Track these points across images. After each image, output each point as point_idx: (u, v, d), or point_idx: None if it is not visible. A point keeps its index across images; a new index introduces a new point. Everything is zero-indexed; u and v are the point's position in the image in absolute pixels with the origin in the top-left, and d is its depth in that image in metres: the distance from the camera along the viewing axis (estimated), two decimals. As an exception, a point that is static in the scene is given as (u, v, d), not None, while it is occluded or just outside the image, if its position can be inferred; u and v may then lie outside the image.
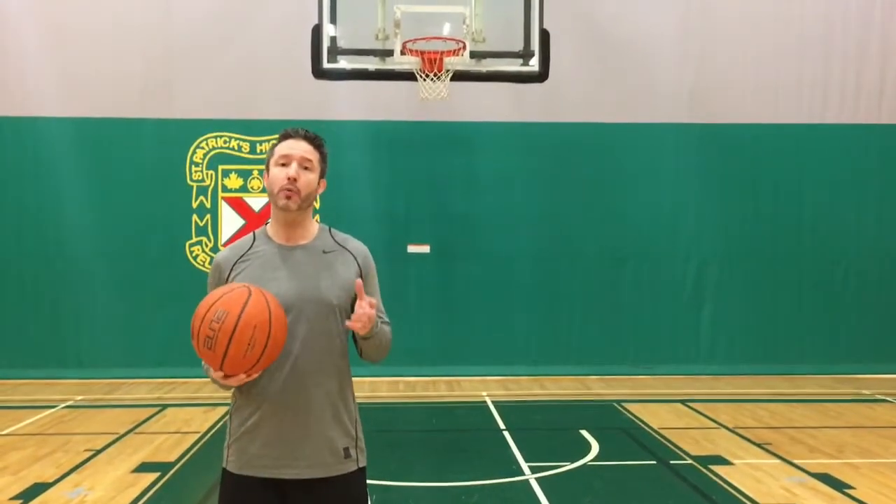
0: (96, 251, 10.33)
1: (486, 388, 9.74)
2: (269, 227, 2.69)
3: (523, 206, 10.66)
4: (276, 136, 2.68)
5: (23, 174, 10.29)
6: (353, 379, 2.74)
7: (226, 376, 2.41)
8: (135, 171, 10.37)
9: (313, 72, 8.06)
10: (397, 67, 7.95)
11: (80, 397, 9.14)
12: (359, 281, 2.53)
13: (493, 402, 8.96)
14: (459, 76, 8.00)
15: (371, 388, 9.32)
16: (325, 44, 7.94)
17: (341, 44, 8.07)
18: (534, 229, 10.68)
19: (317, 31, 7.97)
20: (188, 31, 10.35)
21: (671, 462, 6.53)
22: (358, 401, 2.77)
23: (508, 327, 10.64)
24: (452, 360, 10.50)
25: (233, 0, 10.41)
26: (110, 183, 10.33)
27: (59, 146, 10.30)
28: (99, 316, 10.34)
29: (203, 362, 2.49)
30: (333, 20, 8.02)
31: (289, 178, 2.55)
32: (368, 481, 2.74)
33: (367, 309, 2.49)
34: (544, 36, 8.04)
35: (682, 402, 8.94)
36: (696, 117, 10.75)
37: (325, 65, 7.98)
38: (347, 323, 2.51)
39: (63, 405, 8.72)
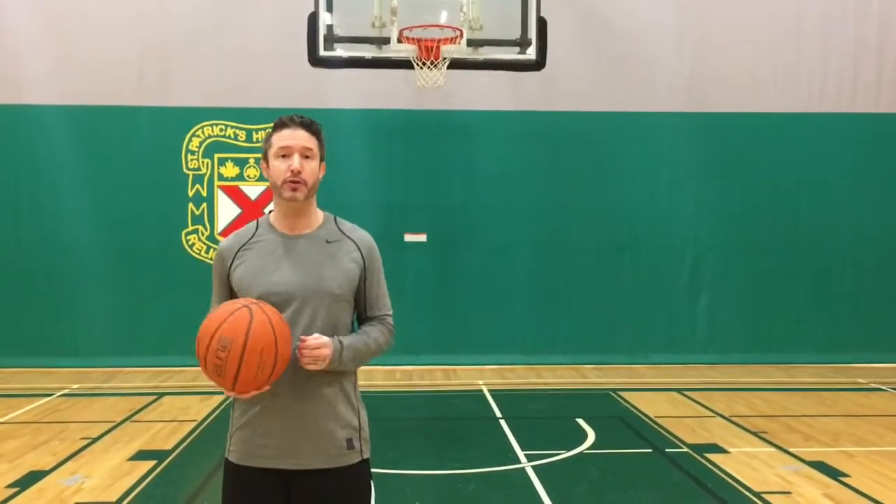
0: (92, 240, 10.30)
1: (483, 377, 9.76)
2: (273, 216, 2.67)
3: (520, 195, 10.64)
4: (273, 124, 2.66)
5: (18, 162, 10.24)
6: (350, 368, 2.73)
7: (238, 393, 2.42)
8: (131, 159, 10.33)
9: (310, 60, 8.03)
10: (394, 55, 7.92)
11: (76, 386, 9.14)
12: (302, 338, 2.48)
13: (489, 390, 8.98)
14: (456, 64, 7.97)
15: (367, 377, 9.33)
16: (322, 32, 7.91)
17: (338, 32, 8.03)
18: (531, 218, 10.66)
19: (313, 19, 7.93)
20: (184, 19, 10.29)
21: (667, 450, 6.55)
22: (354, 389, 2.77)
23: (505, 316, 10.64)
24: (449, 349, 10.51)
25: (229, -12, 10.37)
26: (106, 172, 10.29)
27: (55, 134, 10.25)
28: (95, 305, 10.31)
29: None
30: (330, 8, 7.99)
31: (293, 171, 2.53)
32: (365, 470, 2.73)
33: (309, 351, 2.44)
34: (541, 24, 8.02)
35: (678, 390, 8.96)
36: (693, 106, 10.72)
37: (322, 53, 7.95)
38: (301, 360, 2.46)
39: (60, 393, 8.72)
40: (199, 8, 10.29)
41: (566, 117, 10.61)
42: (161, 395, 8.63)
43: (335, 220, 2.72)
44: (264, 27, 10.22)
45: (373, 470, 2.72)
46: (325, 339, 2.47)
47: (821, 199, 10.84)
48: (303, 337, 2.46)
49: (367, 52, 8.08)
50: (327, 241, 2.63)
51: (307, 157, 2.57)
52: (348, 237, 2.67)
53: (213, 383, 2.44)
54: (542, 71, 8.30)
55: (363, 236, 2.71)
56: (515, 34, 8.12)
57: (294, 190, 2.55)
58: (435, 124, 10.55)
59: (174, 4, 10.32)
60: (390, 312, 2.73)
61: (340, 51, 8.07)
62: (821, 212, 10.84)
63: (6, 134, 10.23)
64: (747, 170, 10.78)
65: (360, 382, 2.73)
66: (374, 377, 9.48)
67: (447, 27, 7.88)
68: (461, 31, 7.76)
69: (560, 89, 10.50)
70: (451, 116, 10.52)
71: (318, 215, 2.69)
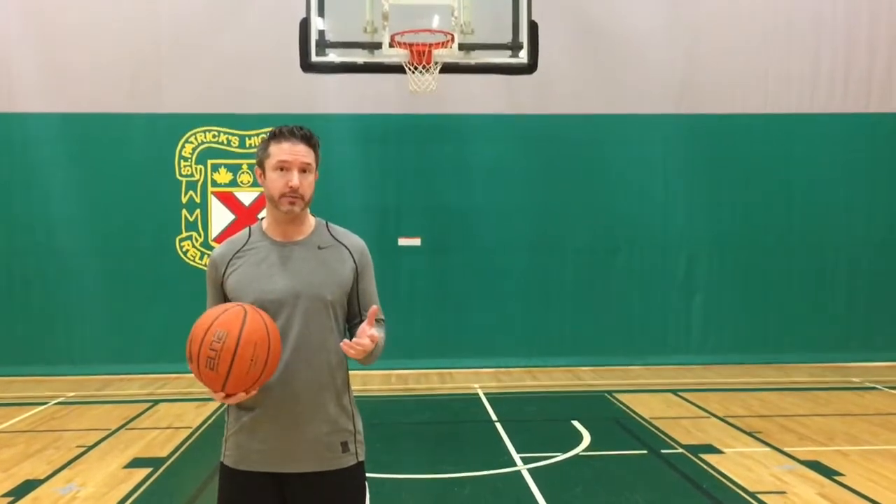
0: (86, 247, 10.28)
1: (478, 380, 9.76)
2: (265, 223, 2.69)
3: (514, 197, 10.66)
4: (266, 130, 2.67)
5: (11, 170, 10.21)
6: (345, 372, 2.74)
7: (226, 396, 2.42)
8: (124, 166, 10.31)
9: (302, 65, 8.02)
10: (386, 60, 7.92)
11: (71, 394, 9.11)
12: (374, 308, 2.53)
13: (484, 393, 8.99)
14: (448, 68, 7.97)
15: (363, 381, 9.33)
16: (314, 37, 7.90)
17: (329, 37, 8.03)
18: (525, 221, 10.68)
19: (305, 25, 7.93)
20: (176, 25, 10.29)
21: (662, 451, 6.56)
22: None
23: (500, 319, 10.65)
24: (444, 352, 10.51)
25: (220, -6, 10.37)
26: (99, 178, 10.27)
27: (47, 142, 10.23)
28: (89, 312, 10.29)
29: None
30: (321, 13, 7.98)
31: (292, 188, 2.56)
32: (360, 474, 2.74)
33: (366, 341, 2.48)
34: (533, 27, 8.02)
35: (673, 391, 8.98)
36: (685, 108, 10.75)
37: (314, 58, 7.94)
38: (343, 346, 2.50)
39: (54, 402, 8.69)
40: (191, 14, 10.29)
41: (559, 120, 10.63)
42: (156, 402, 8.61)
43: (327, 225, 2.74)
44: (256, 33, 10.22)
45: (368, 474, 2.73)
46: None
47: (813, 198, 10.87)
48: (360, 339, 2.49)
49: (359, 57, 8.08)
50: (319, 248, 2.65)
51: (305, 171, 2.60)
52: (340, 243, 2.70)
53: (205, 388, 2.44)
54: (535, 74, 8.30)
55: (355, 241, 2.73)
56: (507, 38, 8.13)
57: (292, 204, 2.58)
58: (428, 128, 10.56)
59: (166, 11, 10.32)
60: (383, 316, 2.75)
61: (332, 56, 8.07)
62: (813, 211, 10.88)
63: (-2, 141, 10.22)
64: (740, 170, 10.81)
65: (355, 387, 2.75)
66: (371, 381, 9.47)
67: (439, 31, 7.88)
68: (452, 36, 7.76)
69: (552, 92, 10.52)
70: (443, 120, 10.54)
71: (311, 221, 2.71)
